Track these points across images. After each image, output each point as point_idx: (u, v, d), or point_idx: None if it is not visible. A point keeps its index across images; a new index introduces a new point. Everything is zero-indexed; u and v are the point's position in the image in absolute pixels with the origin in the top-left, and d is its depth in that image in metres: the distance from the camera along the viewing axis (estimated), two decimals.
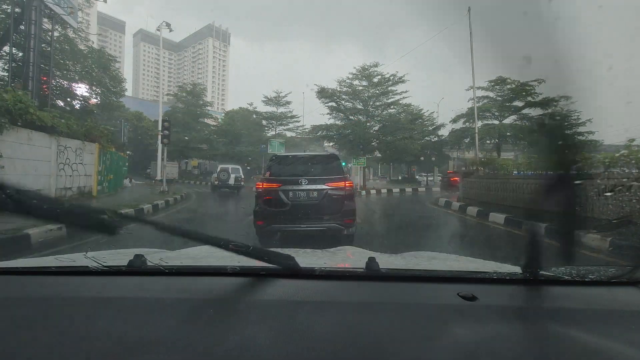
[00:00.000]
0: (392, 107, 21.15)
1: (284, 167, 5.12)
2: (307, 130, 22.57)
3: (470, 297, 0.85)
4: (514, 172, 8.98)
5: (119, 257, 1.16)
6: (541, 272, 0.97)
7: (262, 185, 4.97)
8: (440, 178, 24.88)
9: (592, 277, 0.99)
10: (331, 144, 24.50)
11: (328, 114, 21.45)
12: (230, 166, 17.42)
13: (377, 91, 20.31)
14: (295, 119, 25.22)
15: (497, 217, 8.10)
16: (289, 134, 25.48)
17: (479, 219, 8.84)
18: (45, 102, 12.38)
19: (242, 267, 1.01)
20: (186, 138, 33.59)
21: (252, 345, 0.66)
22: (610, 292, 0.95)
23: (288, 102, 24.79)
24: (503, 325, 0.76)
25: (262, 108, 26.97)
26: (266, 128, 26.50)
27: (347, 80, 20.69)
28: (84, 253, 1.10)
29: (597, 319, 0.79)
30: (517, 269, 1.04)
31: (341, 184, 4.94)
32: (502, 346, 0.68)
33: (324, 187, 4.84)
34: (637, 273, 0.97)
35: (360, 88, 20.45)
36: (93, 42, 28.17)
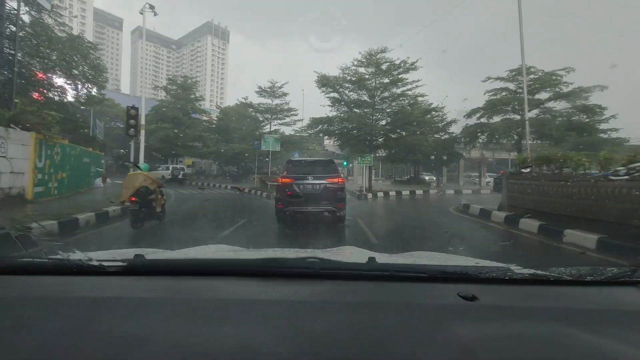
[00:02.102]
0: (401, 98, 18.47)
1: (296, 168, 7.05)
2: (305, 125, 19.92)
3: (470, 297, 0.85)
4: (592, 171, 6.42)
5: (119, 257, 1.13)
6: (541, 272, 0.97)
7: (282, 180, 6.83)
8: (490, 181, 21.35)
9: (592, 277, 0.98)
10: (332, 140, 21.88)
11: (329, 105, 18.83)
12: (179, 166, 24.43)
13: (387, 79, 17.66)
14: (292, 112, 22.59)
15: (581, 238, 5.50)
16: (286, 130, 22.93)
17: (546, 238, 6.22)
18: (9, 90, 9.99)
19: (242, 268, 1.04)
20: (176, 131, 31.01)
21: (252, 345, 0.65)
22: (610, 292, 0.95)
23: (284, 94, 22.19)
24: (503, 325, 0.76)
25: (257, 100, 24.39)
26: (263, 124, 23.90)
27: (352, 67, 18.08)
28: (84, 253, 1.09)
29: (597, 319, 0.79)
30: (517, 269, 1.04)
31: (335, 180, 6.74)
32: (502, 346, 0.68)
33: (323, 182, 6.65)
34: (637, 273, 0.96)
35: (367, 76, 17.75)
36: (72, 28, 25.85)
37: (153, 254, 1.24)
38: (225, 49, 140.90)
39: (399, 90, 18.00)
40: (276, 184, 6.95)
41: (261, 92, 21.96)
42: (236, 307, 0.79)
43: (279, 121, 22.87)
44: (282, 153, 25.81)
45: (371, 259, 1.03)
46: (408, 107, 18.01)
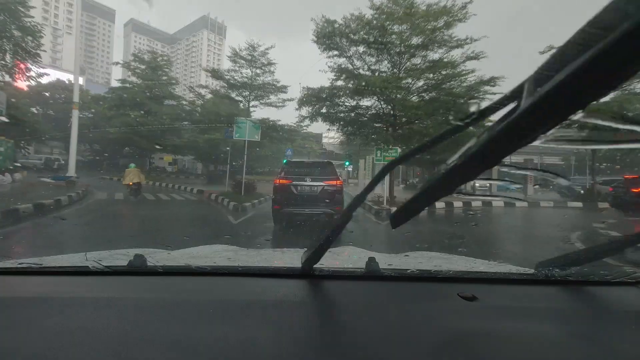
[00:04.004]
0: (442, 69, 12.00)
1: (294, 169, 7.31)
2: (297, 101, 13.61)
3: (470, 297, 0.83)
4: None
5: (119, 257, 1.14)
6: (541, 272, 0.95)
7: (279, 181, 6.99)
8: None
9: (592, 277, 0.96)
10: (335, 129, 15.44)
11: (333, 73, 12.50)
12: (53, 156, 22.37)
13: (425, 35, 11.30)
14: (281, 90, 16.13)
15: None
16: (273, 114, 16.50)
17: None
18: None
19: (242, 268, 1.03)
20: (139, 120, 24.65)
21: (252, 345, 0.65)
22: (610, 292, 0.93)
23: (271, 63, 15.71)
24: (503, 325, 0.75)
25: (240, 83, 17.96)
26: (244, 105, 17.54)
27: (366, 15, 11.70)
28: (84, 253, 1.07)
29: (597, 319, 0.78)
30: (517, 269, 1.06)
31: (333, 182, 6.97)
32: (502, 346, 0.67)
33: (321, 184, 6.88)
34: (638, 273, 0.94)
35: (395, 22, 11.35)
36: None
37: (153, 254, 1.22)
38: (222, 44, 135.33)
39: (441, 50, 11.66)
40: (275, 184, 6.95)
41: (235, 57, 15.50)
42: (236, 307, 0.79)
43: (260, 101, 16.40)
44: (269, 146, 19.41)
45: (371, 259, 1.01)
46: (455, 76, 11.67)
